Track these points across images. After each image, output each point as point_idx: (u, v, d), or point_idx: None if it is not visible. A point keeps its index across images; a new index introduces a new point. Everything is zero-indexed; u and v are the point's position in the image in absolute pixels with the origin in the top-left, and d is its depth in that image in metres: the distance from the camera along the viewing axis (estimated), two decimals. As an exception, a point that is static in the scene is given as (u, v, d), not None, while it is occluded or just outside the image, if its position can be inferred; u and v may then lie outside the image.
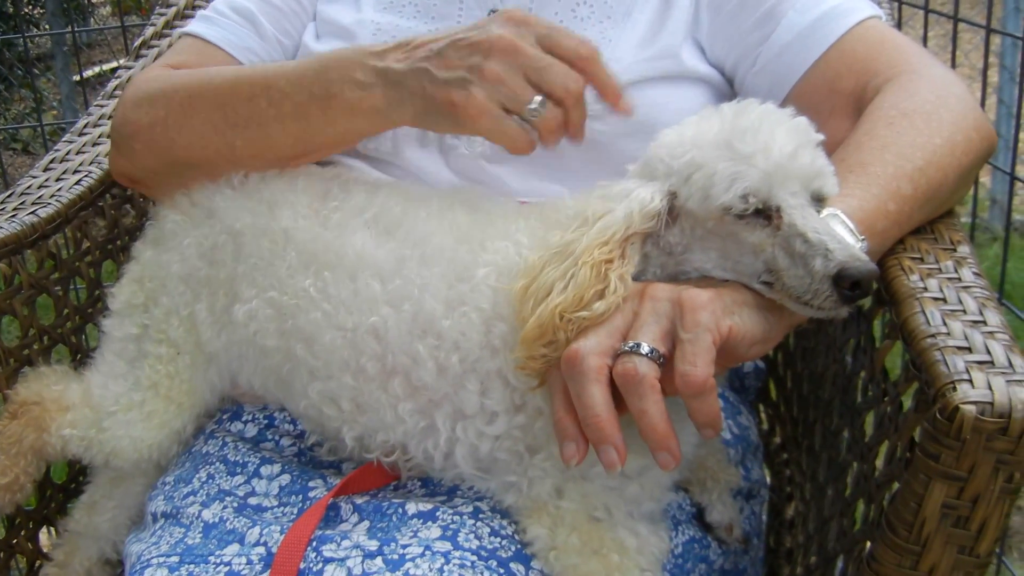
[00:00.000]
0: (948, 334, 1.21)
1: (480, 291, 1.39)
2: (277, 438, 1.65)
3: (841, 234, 1.27)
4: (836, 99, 1.61)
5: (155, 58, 2.30)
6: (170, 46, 2.23)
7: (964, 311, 1.27)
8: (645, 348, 1.18)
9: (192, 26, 1.91)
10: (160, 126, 1.68)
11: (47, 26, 6.61)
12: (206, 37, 1.87)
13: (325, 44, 1.87)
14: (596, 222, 1.28)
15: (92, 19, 8.04)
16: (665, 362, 1.19)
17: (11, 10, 6.48)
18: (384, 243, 1.49)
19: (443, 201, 1.53)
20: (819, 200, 1.28)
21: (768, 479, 2.07)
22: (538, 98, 1.40)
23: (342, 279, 1.47)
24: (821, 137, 1.30)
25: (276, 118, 1.58)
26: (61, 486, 1.98)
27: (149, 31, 2.39)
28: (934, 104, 1.48)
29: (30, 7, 7.44)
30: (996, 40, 4.69)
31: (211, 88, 1.65)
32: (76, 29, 5.22)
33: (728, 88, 1.77)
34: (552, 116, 1.41)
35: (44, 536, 1.94)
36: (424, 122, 1.50)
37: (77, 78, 5.83)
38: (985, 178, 4.87)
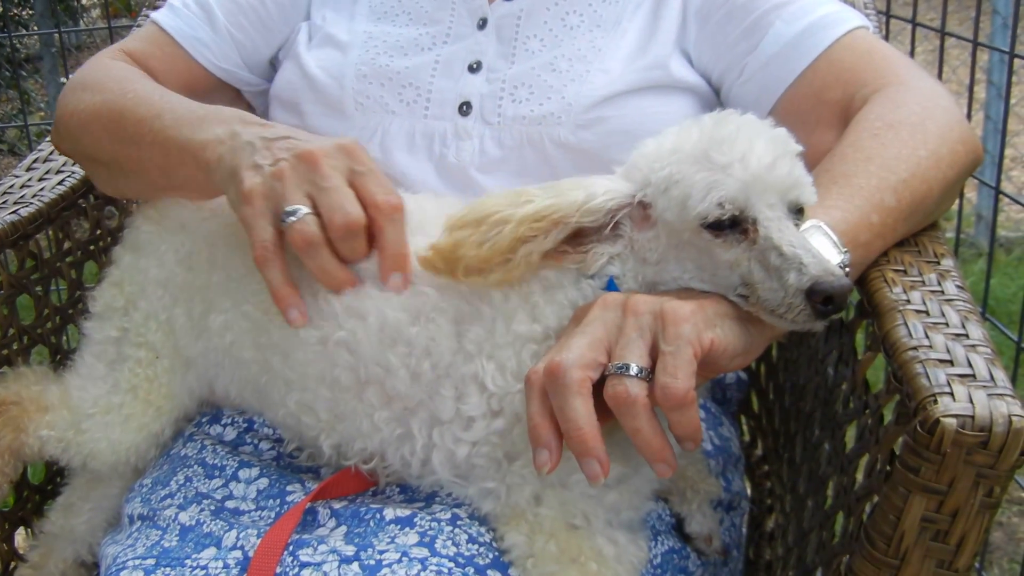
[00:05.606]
0: (930, 347, 1.21)
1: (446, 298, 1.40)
2: (256, 442, 1.64)
3: (822, 247, 1.27)
4: (823, 110, 1.61)
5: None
6: None
7: (946, 324, 1.26)
8: (634, 369, 1.18)
9: (157, 13, 1.95)
10: (75, 118, 1.76)
11: (35, 27, 6.59)
12: (163, 25, 1.92)
13: (317, 52, 1.87)
14: (549, 196, 1.30)
15: (82, 21, 8.02)
16: (651, 378, 1.19)
17: (-1, 10, 6.45)
18: None
19: None
20: (797, 211, 1.28)
21: (748, 491, 2.06)
22: (300, 208, 1.39)
23: (305, 295, 1.47)
24: (800, 148, 1.30)
25: (150, 144, 1.61)
26: (38, 487, 1.97)
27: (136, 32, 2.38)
28: (920, 116, 1.48)
29: (19, 8, 7.41)
30: (984, 57, 4.71)
31: (122, 100, 1.69)
32: (63, 30, 5.20)
33: (715, 97, 1.77)
34: (300, 230, 1.39)
35: (20, 537, 1.93)
36: (227, 192, 1.49)
37: (64, 80, 5.82)
38: (971, 193, 4.88)
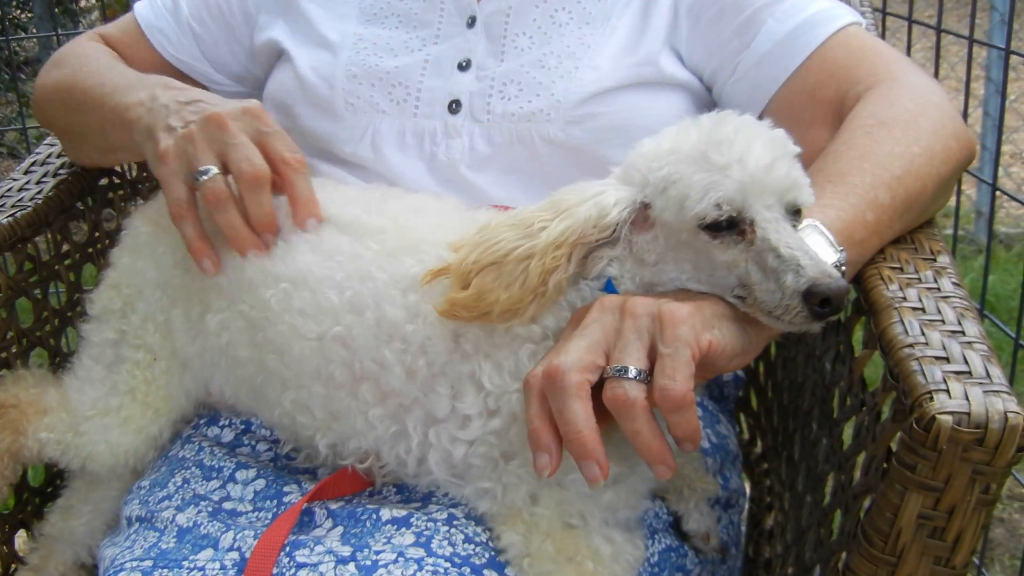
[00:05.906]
0: (926, 344, 1.21)
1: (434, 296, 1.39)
2: (253, 443, 1.64)
3: (818, 246, 1.27)
4: (816, 108, 1.61)
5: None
6: None
7: (943, 321, 1.26)
8: (632, 372, 1.18)
9: (139, 3, 2.05)
10: (43, 91, 1.95)
11: (34, 29, 6.59)
12: (136, 15, 2.05)
13: (308, 53, 1.88)
14: (562, 219, 1.29)
15: (81, 24, 8.02)
16: (650, 380, 1.19)
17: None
18: (329, 253, 1.50)
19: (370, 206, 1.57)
20: (795, 213, 1.28)
21: (748, 489, 2.06)
22: (211, 169, 1.50)
23: (301, 290, 1.48)
24: (798, 149, 1.30)
25: (91, 110, 1.76)
26: (38, 490, 1.97)
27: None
28: (913, 113, 1.48)
29: (18, 11, 7.42)
30: (982, 53, 4.71)
31: (78, 74, 1.86)
32: (62, 32, 5.19)
33: (707, 95, 1.77)
34: (212, 188, 1.49)
35: (20, 540, 1.93)
36: (145, 151, 1.60)
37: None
38: (971, 190, 4.88)
